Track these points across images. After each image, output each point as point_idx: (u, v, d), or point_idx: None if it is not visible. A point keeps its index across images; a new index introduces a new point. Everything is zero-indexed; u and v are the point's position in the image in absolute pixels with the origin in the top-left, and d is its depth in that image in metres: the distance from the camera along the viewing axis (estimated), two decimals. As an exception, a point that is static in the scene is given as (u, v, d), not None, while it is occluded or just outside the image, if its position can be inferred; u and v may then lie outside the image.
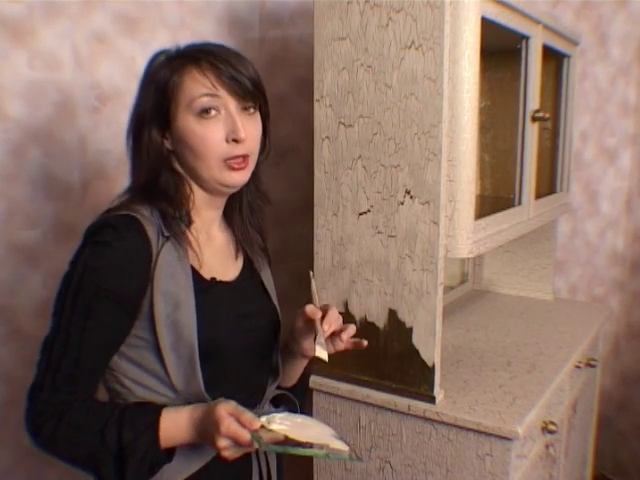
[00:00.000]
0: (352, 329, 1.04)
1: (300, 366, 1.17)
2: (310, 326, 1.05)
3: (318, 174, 1.47)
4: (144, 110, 0.99)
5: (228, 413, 0.87)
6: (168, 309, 0.94)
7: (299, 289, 1.33)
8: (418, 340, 1.38)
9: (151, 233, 0.94)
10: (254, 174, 1.07)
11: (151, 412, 0.92)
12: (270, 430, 0.87)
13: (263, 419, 0.88)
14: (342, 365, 1.48)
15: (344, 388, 1.48)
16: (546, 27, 1.68)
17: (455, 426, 1.35)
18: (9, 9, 1.33)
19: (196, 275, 0.98)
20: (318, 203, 1.48)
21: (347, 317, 1.46)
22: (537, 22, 1.62)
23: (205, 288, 0.99)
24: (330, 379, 1.51)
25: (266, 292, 1.13)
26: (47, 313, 1.44)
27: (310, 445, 0.87)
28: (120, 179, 1.60)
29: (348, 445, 0.90)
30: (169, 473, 0.95)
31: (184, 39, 1.74)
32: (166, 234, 0.96)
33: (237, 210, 1.11)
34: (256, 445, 0.85)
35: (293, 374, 1.18)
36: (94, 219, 0.96)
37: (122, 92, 1.58)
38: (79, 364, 0.90)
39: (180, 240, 0.97)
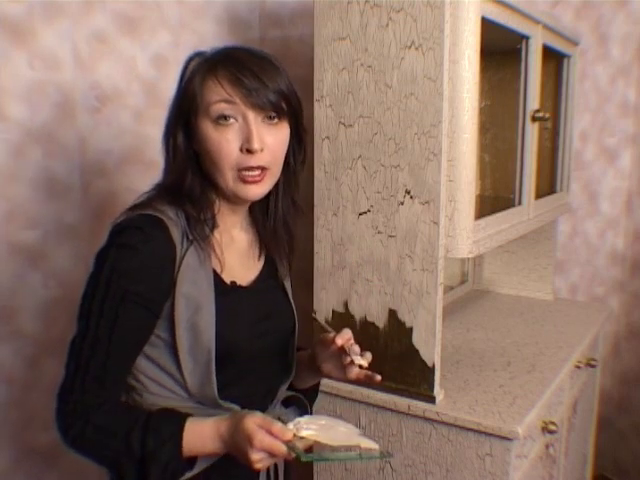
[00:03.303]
0: (368, 355, 1.03)
1: (319, 377, 1.17)
2: (327, 351, 1.06)
3: (318, 174, 1.47)
4: (172, 113, 0.99)
5: (258, 426, 0.86)
6: (188, 313, 0.94)
7: (299, 289, 1.33)
8: (418, 340, 1.38)
9: (176, 236, 0.94)
10: (290, 185, 1.06)
11: (175, 422, 0.92)
12: (301, 437, 0.87)
13: (291, 426, 0.87)
14: (342, 365, 1.48)
15: (344, 388, 1.48)
16: (546, 27, 1.67)
17: (455, 426, 1.35)
18: (9, 9, 1.33)
19: (217, 279, 0.98)
20: (318, 203, 1.48)
21: (347, 317, 1.46)
22: (537, 22, 1.62)
23: (225, 292, 0.98)
24: (330, 379, 1.51)
25: (286, 294, 1.13)
26: (47, 313, 1.46)
27: (343, 449, 0.87)
28: (120, 179, 1.60)
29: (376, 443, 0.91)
30: None
31: (184, 39, 1.76)
32: (190, 238, 0.96)
33: (271, 216, 1.08)
34: (293, 456, 0.84)
35: (310, 380, 1.18)
36: (119, 216, 0.96)
37: (122, 92, 1.58)
38: (107, 366, 0.91)
39: (204, 244, 0.97)
